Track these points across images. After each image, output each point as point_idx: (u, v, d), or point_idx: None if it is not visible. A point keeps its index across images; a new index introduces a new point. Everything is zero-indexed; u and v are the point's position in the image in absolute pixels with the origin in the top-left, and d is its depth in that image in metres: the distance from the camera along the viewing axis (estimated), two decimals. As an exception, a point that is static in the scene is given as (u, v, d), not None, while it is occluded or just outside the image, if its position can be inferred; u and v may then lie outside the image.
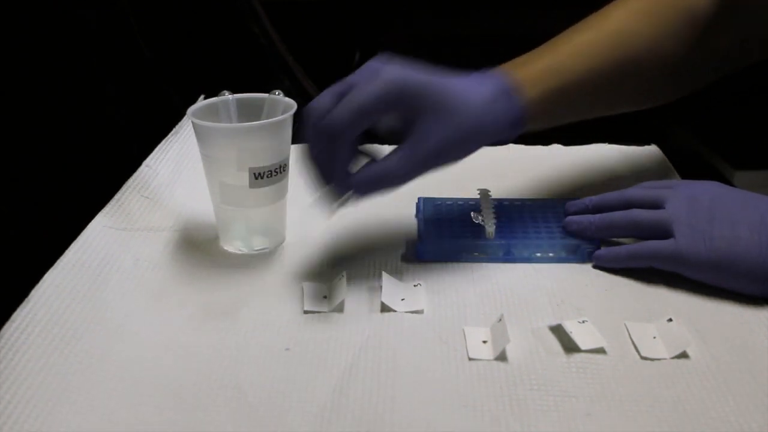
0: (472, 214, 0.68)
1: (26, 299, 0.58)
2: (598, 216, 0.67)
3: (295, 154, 0.68)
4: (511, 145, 0.88)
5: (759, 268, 0.58)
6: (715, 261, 0.59)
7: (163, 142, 0.84)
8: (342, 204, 0.61)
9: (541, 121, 0.67)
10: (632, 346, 0.55)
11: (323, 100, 0.59)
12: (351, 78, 0.61)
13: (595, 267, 0.65)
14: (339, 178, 0.60)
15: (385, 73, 0.59)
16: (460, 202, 0.74)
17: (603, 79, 0.68)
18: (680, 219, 0.61)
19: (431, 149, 0.60)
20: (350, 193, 0.60)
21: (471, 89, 0.63)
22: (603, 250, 0.65)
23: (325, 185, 0.61)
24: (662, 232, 0.62)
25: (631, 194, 0.67)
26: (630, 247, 0.64)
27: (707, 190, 0.64)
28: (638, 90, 0.73)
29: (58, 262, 0.63)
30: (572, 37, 0.71)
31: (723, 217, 0.60)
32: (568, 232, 0.67)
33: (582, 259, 0.65)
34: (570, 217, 0.68)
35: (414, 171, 0.61)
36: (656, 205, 0.64)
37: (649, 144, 0.88)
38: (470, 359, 0.54)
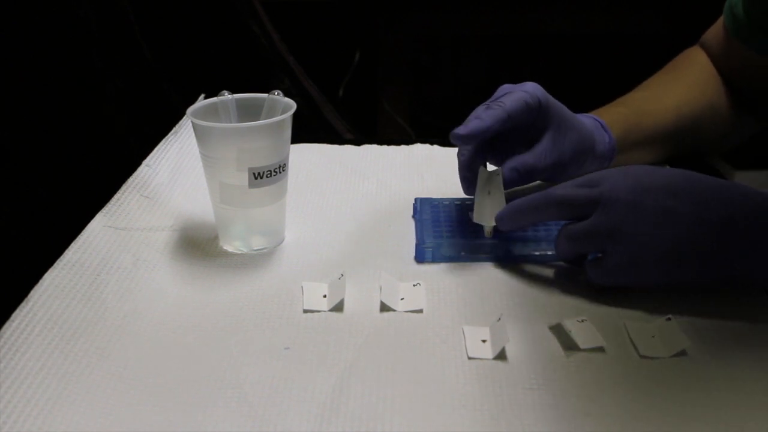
0: (470, 213, 0.68)
1: (26, 299, 0.58)
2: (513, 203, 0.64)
3: (295, 153, 0.68)
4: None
5: (693, 259, 0.56)
6: (655, 267, 0.57)
7: (163, 141, 0.84)
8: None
9: (621, 157, 0.75)
10: (631, 345, 0.55)
11: (479, 108, 0.68)
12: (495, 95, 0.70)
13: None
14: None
15: (528, 84, 0.68)
16: (456, 202, 0.74)
17: (668, 135, 0.79)
18: (614, 233, 0.57)
19: (567, 149, 0.69)
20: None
21: (576, 115, 0.72)
22: (504, 208, 0.63)
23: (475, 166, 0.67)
24: (598, 245, 0.59)
25: (558, 195, 0.61)
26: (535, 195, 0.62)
27: (635, 186, 0.58)
28: (699, 144, 0.84)
29: (58, 261, 0.63)
30: (643, 94, 0.82)
31: (656, 219, 0.56)
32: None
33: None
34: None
35: (552, 167, 0.68)
36: (585, 209, 0.59)
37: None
38: (469, 358, 0.54)
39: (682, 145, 0.81)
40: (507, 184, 0.66)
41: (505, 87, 0.70)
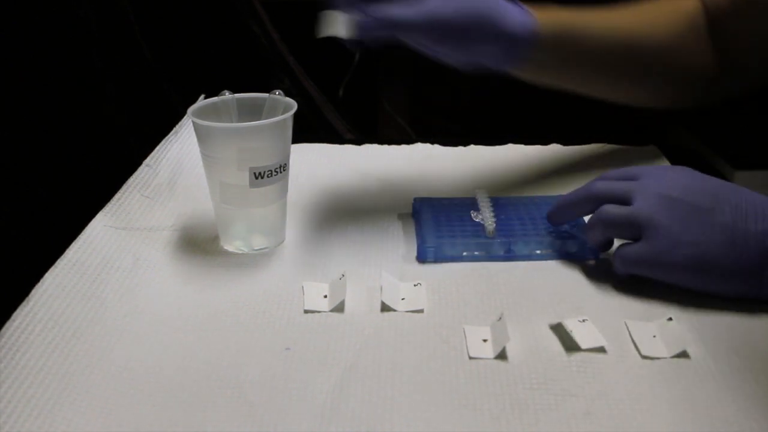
0: (471, 212, 0.68)
1: (26, 299, 0.58)
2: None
3: (295, 153, 0.68)
4: (510, 145, 0.88)
5: (730, 271, 0.57)
6: (686, 266, 0.58)
7: (163, 141, 0.84)
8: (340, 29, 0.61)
9: (542, 54, 0.69)
10: (632, 345, 0.55)
11: None
12: None
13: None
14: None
15: None
16: (456, 202, 0.74)
17: (607, 49, 0.73)
18: (651, 221, 0.58)
19: (450, 11, 0.62)
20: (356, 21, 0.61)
21: None
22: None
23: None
24: (633, 231, 0.60)
25: (597, 189, 0.64)
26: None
27: (676, 182, 0.60)
28: (637, 78, 0.77)
29: (58, 261, 0.63)
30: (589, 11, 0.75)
31: (694, 218, 0.58)
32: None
33: (583, 257, 0.66)
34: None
35: (427, 24, 0.62)
36: (624, 200, 0.61)
37: (648, 144, 0.88)
38: (470, 358, 0.54)
39: (623, 70, 0.76)
40: (361, 30, 0.62)
41: None
